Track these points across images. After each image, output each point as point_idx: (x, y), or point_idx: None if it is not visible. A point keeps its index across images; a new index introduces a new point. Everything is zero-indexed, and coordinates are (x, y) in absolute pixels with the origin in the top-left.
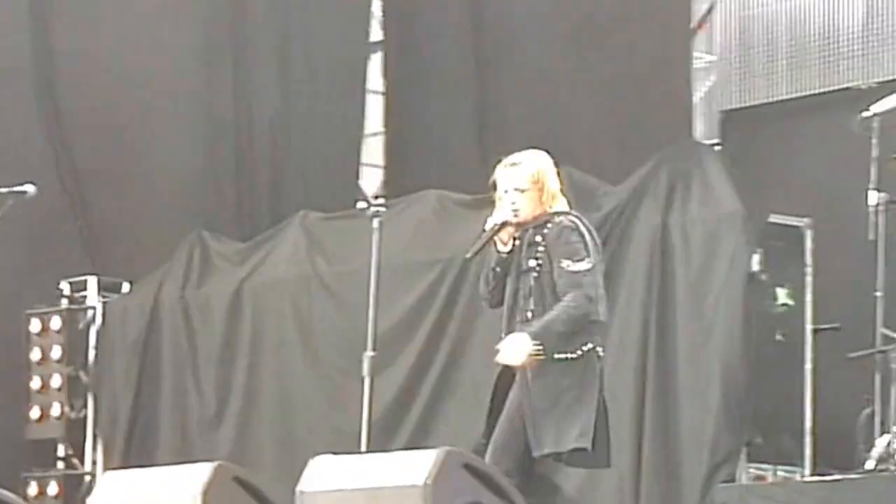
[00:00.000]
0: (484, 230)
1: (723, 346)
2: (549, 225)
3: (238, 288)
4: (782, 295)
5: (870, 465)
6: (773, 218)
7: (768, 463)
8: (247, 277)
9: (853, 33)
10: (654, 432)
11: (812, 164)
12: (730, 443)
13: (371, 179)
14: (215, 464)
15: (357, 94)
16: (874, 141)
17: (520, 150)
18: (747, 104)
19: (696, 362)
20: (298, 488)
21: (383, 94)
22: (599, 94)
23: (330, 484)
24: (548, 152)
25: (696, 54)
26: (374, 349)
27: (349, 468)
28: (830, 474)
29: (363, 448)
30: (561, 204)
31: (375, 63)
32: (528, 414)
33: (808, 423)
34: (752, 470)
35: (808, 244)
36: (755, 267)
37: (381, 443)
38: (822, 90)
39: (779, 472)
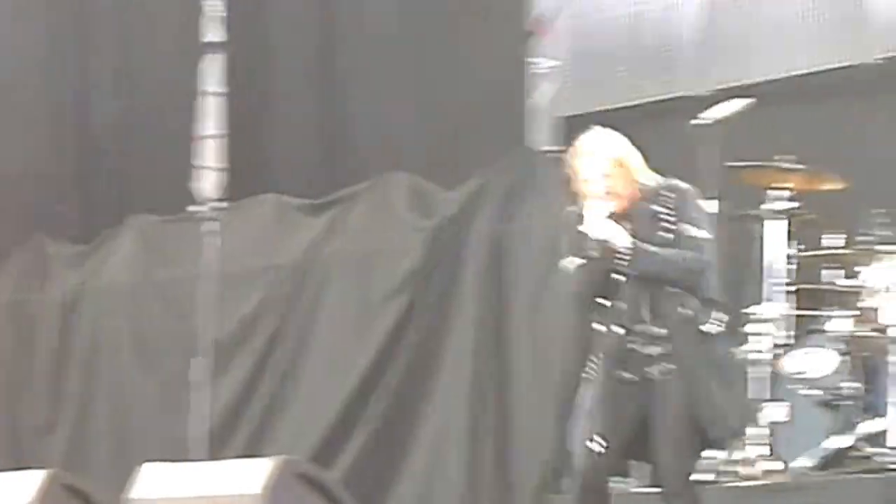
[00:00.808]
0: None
1: (558, 357)
2: (668, 193)
3: (73, 292)
4: None
5: (708, 476)
6: None
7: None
8: (83, 282)
9: (690, 40)
10: (491, 445)
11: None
12: (563, 455)
13: (211, 182)
14: (47, 471)
15: (192, 95)
16: (712, 148)
17: (361, 157)
18: (587, 111)
19: (532, 373)
20: (128, 496)
21: (224, 95)
22: (438, 100)
23: (161, 492)
24: (389, 158)
25: (535, 60)
26: (208, 355)
27: (182, 476)
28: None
29: (199, 455)
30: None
31: (218, 64)
32: None
33: None
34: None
35: None
36: None
37: (216, 450)
38: (660, 97)
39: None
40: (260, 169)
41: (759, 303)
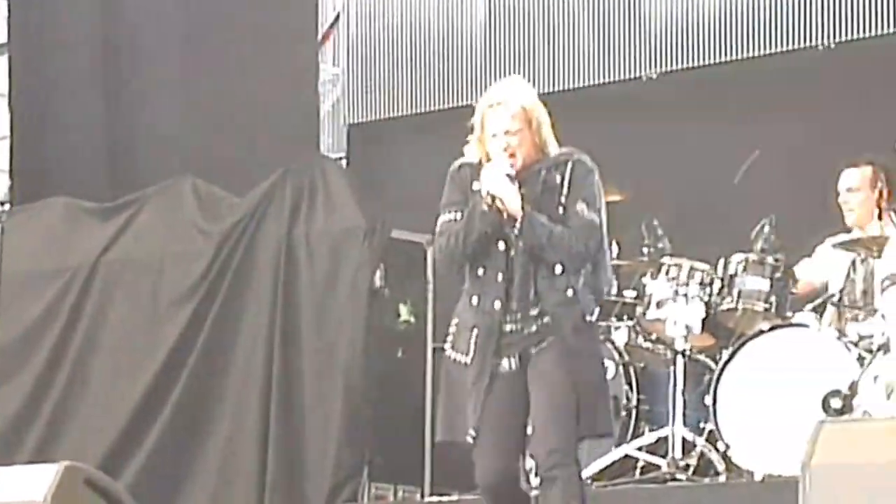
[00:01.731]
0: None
1: (345, 362)
2: (570, 164)
3: None
4: (404, 311)
5: None
6: (396, 233)
7: (389, 482)
8: None
9: (473, 50)
10: (279, 450)
11: (435, 180)
12: (352, 461)
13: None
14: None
15: None
16: None
17: (150, 161)
18: (372, 118)
19: (320, 378)
20: None
21: (6, 97)
22: (227, 104)
23: None
24: (178, 162)
25: (322, 66)
26: None
27: None
28: (449, 494)
29: None
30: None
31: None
32: None
33: (427, 443)
34: (373, 489)
35: (430, 261)
36: (378, 282)
37: (4, 457)
38: (442, 107)
39: (399, 492)
40: (46, 172)
41: None
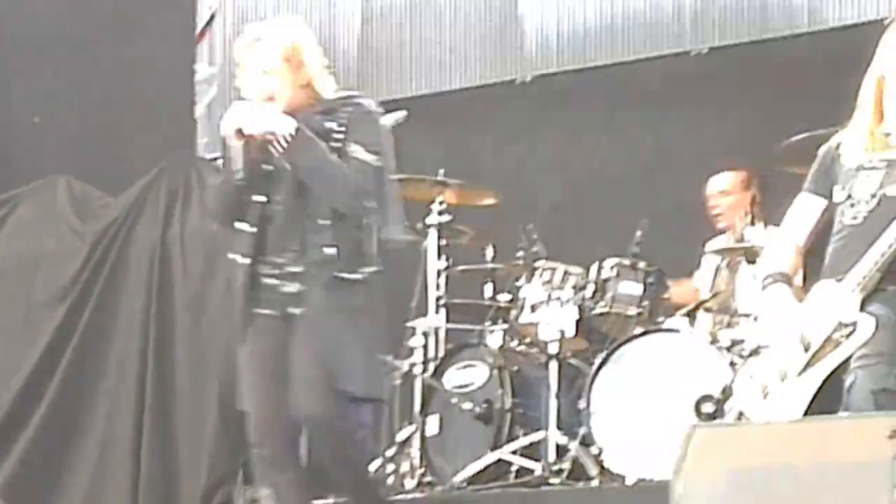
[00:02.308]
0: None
1: (220, 363)
2: (348, 107)
3: None
4: None
5: None
6: None
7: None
8: None
9: (349, 52)
10: (153, 452)
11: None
12: (227, 464)
13: None
14: None
15: None
16: None
17: (23, 159)
18: None
19: (195, 380)
20: None
21: None
22: (101, 103)
23: None
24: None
25: (198, 65)
26: None
27: None
28: (326, 498)
29: None
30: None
31: None
32: None
33: (303, 447)
34: (248, 492)
35: None
36: None
37: None
38: None
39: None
40: None
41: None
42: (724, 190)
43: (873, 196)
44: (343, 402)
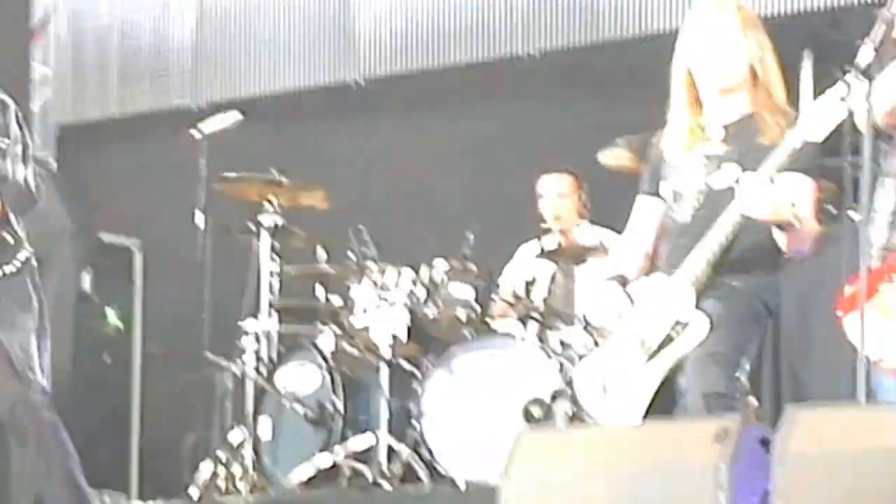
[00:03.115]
0: None
1: (52, 367)
2: None
3: None
4: (112, 315)
5: (194, 491)
6: (104, 237)
7: (95, 488)
8: None
9: (183, 53)
10: None
11: (143, 183)
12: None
13: None
14: None
15: None
16: (202, 161)
17: None
18: (82, 120)
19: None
20: None
21: None
22: None
23: None
24: None
25: (32, 65)
26: None
27: None
28: (155, 499)
29: None
30: None
31: None
32: None
33: (134, 448)
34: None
35: (138, 265)
36: (86, 286)
37: None
38: (152, 109)
39: (105, 497)
40: None
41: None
42: (562, 192)
43: (698, 191)
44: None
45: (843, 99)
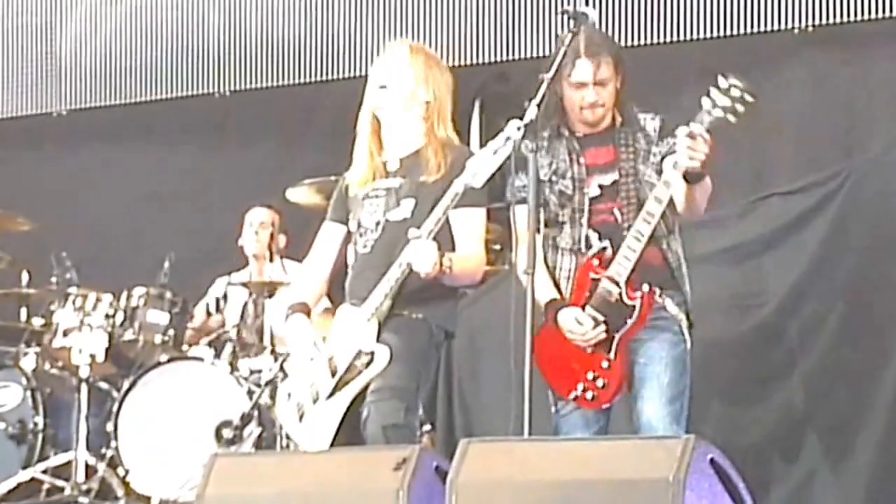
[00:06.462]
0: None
1: None
2: None
3: None
4: None
5: None
6: None
7: None
8: None
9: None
10: None
11: None
12: None
13: None
14: None
15: None
16: None
17: None
18: None
19: None
20: None
21: None
22: None
23: None
24: None
25: None
26: None
27: None
28: None
29: None
30: None
31: None
32: None
33: None
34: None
35: None
36: None
37: None
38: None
39: None
40: None
41: None
42: (262, 224)
43: (377, 224)
44: None
45: (497, 151)
